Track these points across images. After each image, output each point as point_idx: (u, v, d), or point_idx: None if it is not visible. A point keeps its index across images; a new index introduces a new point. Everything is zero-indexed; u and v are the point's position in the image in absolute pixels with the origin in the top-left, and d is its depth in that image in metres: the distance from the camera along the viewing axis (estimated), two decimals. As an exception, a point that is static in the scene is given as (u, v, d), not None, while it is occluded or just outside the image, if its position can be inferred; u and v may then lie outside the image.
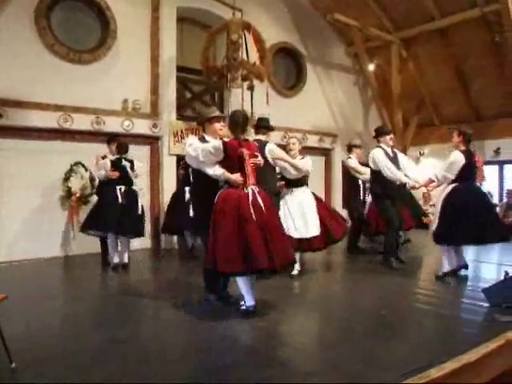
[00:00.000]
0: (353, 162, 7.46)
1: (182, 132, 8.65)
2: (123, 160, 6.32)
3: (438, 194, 5.51)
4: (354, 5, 10.29)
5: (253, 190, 3.99)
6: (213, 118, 4.36)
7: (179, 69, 8.86)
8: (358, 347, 3.28)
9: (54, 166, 7.33)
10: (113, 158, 6.35)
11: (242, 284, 3.99)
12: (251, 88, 8.07)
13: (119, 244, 6.35)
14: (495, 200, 10.80)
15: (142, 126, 8.20)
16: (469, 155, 5.31)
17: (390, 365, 2.95)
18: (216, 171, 4.01)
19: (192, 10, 9.02)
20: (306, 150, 9.10)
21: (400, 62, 11.20)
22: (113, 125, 7.77)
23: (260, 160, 4.21)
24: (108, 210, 6.07)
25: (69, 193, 7.44)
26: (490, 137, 10.81)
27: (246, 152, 4.05)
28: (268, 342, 3.45)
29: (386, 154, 6.04)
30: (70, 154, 7.31)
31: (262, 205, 3.95)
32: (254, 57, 8.21)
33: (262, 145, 5.00)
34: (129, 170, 6.31)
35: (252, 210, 3.85)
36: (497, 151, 10.93)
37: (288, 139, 6.08)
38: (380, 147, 6.12)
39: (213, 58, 8.65)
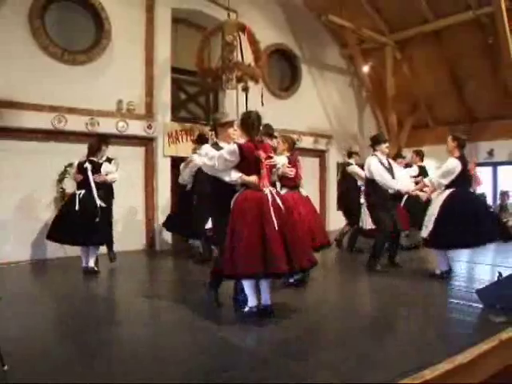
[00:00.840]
0: (355, 168, 7.59)
1: (176, 133, 8.63)
2: (86, 162, 6.04)
3: (434, 200, 5.57)
4: (349, 6, 10.32)
5: (271, 192, 3.94)
6: (226, 123, 4.30)
7: (174, 70, 8.85)
8: (352, 348, 3.28)
9: (48, 167, 7.29)
10: (81, 160, 6.13)
11: (246, 285, 3.95)
12: (246, 89, 8.06)
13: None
14: (489, 201, 10.87)
15: (136, 128, 8.18)
16: (464, 161, 5.38)
17: (384, 366, 2.95)
18: (233, 176, 3.91)
19: (187, 12, 9.01)
20: (301, 152, 9.18)
21: (394, 63, 11.25)
22: (107, 126, 7.75)
23: (275, 161, 4.17)
24: (65, 218, 5.93)
25: (63, 194, 7.40)
26: (483, 138, 10.89)
27: (262, 154, 4.00)
28: (263, 344, 3.45)
29: (381, 162, 6.03)
30: (64, 155, 7.27)
31: (281, 206, 3.91)
32: (249, 58, 8.21)
33: None
34: (89, 172, 5.97)
35: (272, 212, 3.80)
36: (490, 153, 11.01)
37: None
38: (375, 156, 6.10)
39: (208, 59, 8.63)
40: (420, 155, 7.92)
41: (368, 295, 4.98)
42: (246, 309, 3.99)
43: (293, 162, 5.27)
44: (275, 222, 3.76)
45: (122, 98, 8.04)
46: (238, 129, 4.15)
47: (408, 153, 8.93)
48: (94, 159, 6.11)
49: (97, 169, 6.04)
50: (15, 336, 3.52)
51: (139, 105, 8.29)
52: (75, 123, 7.46)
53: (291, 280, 5.12)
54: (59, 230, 5.94)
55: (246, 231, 3.72)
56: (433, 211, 5.39)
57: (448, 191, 5.36)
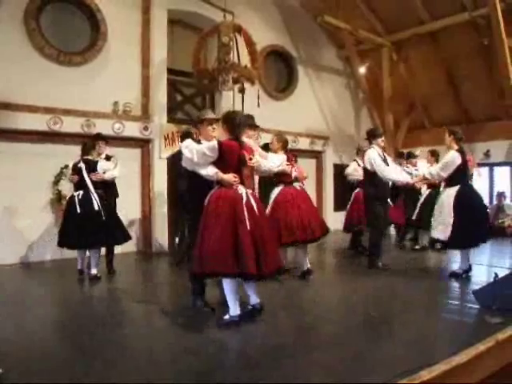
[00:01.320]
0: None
1: (172, 135, 8.61)
2: (80, 162, 5.84)
3: (441, 199, 5.59)
4: (345, 7, 10.33)
5: (247, 192, 3.89)
6: (204, 119, 4.28)
7: (170, 71, 8.84)
8: (348, 349, 3.28)
9: (44, 169, 7.27)
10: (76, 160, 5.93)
11: (228, 291, 3.84)
12: (242, 91, 8.06)
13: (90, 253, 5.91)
14: (486, 202, 10.89)
15: (132, 129, 8.16)
16: (463, 154, 5.42)
17: (381, 366, 2.95)
18: (209, 171, 3.89)
19: (183, 13, 9.01)
20: (297, 153, 9.18)
21: (391, 64, 11.27)
22: (103, 127, 7.71)
23: (257, 162, 4.15)
24: (70, 222, 5.72)
25: (59, 196, 7.38)
26: (480, 139, 10.91)
27: (247, 154, 3.99)
28: (257, 345, 3.44)
29: (379, 154, 6.09)
30: (60, 156, 7.23)
31: (255, 207, 3.88)
32: (245, 59, 8.21)
33: None
34: (84, 171, 5.77)
35: (246, 212, 3.76)
36: (487, 154, 11.03)
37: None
38: (373, 148, 6.16)
39: (204, 60, 8.63)
40: (435, 155, 7.76)
41: (364, 295, 4.97)
42: (226, 317, 3.84)
43: (290, 160, 5.57)
44: (248, 222, 3.72)
45: (118, 100, 8.02)
46: (221, 127, 4.07)
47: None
48: (89, 158, 5.89)
49: (92, 167, 5.83)
50: (11, 337, 3.51)
51: (135, 106, 8.27)
52: (71, 125, 7.43)
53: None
54: (67, 235, 5.72)
55: (218, 229, 3.68)
56: (445, 211, 5.42)
57: (454, 189, 5.42)
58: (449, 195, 5.44)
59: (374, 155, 6.04)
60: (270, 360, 3.08)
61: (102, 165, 5.95)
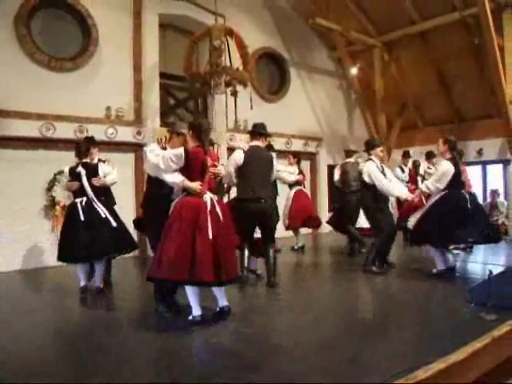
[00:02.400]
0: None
1: (166, 139, 8.57)
2: (79, 166, 5.29)
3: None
4: (336, 9, 10.38)
5: (211, 199, 3.95)
6: (183, 133, 4.28)
7: (162, 75, 8.84)
8: (345, 349, 3.28)
9: (37, 175, 7.24)
10: (73, 164, 5.38)
11: (190, 293, 3.93)
12: (235, 93, 8.06)
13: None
14: (479, 200, 10.93)
15: (125, 134, 8.14)
16: (455, 163, 5.44)
17: (377, 366, 2.95)
18: (175, 179, 3.92)
19: (174, 17, 9.01)
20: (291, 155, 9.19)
21: (382, 65, 11.32)
22: (96, 133, 7.63)
23: (220, 170, 4.23)
24: (71, 234, 5.09)
25: (53, 202, 7.36)
26: (472, 138, 10.97)
27: (209, 161, 4.05)
28: (254, 347, 3.43)
29: (377, 167, 6.03)
30: (53, 162, 7.20)
31: (219, 214, 3.93)
32: (237, 62, 8.21)
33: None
34: (83, 177, 5.23)
35: (209, 220, 3.82)
36: (479, 152, 11.09)
37: None
38: (372, 160, 6.10)
39: (196, 64, 8.63)
40: (431, 158, 7.86)
41: (360, 296, 4.98)
42: (190, 318, 3.94)
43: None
44: (210, 230, 3.78)
45: (111, 105, 8.01)
46: (187, 133, 4.11)
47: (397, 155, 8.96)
48: (87, 161, 5.39)
49: (93, 171, 5.32)
50: (6, 345, 3.48)
51: (128, 111, 8.26)
52: (64, 131, 7.41)
53: None
54: (71, 247, 5.07)
55: (178, 237, 3.74)
56: (422, 210, 5.48)
57: (440, 194, 5.44)
58: (435, 198, 5.52)
59: (374, 169, 5.94)
60: (266, 362, 3.08)
61: (103, 168, 5.49)
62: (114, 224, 5.24)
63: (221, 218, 3.92)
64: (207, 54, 8.15)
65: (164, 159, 3.91)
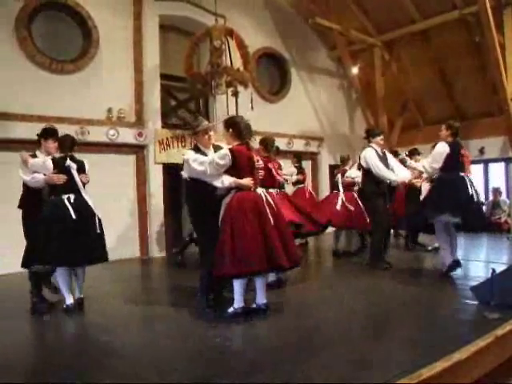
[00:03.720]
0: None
1: (167, 140, 8.61)
2: (67, 159, 4.71)
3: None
4: (336, 8, 10.38)
5: (263, 191, 4.12)
6: (199, 132, 4.33)
7: (163, 76, 8.84)
8: (348, 348, 3.28)
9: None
10: (56, 155, 4.75)
11: (238, 285, 3.99)
12: (236, 94, 8.07)
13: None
14: (481, 198, 10.91)
15: (127, 135, 8.15)
16: (455, 146, 5.42)
17: (381, 365, 2.95)
18: (225, 182, 3.97)
19: (174, 18, 9.02)
20: (292, 154, 9.20)
21: (383, 64, 11.31)
22: (97, 134, 7.72)
23: (261, 163, 4.38)
24: (57, 232, 4.41)
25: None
26: (474, 136, 10.95)
27: (255, 157, 4.19)
28: (258, 347, 3.44)
29: (377, 153, 6.14)
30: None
31: (273, 205, 4.08)
32: (238, 63, 8.23)
33: None
34: (74, 171, 4.67)
35: (268, 210, 3.96)
36: (481, 150, 11.07)
37: None
38: (371, 147, 6.21)
39: (196, 65, 8.65)
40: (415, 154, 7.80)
41: (363, 295, 4.96)
42: (231, 310, 4.01)
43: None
44: (271, 219, 3.94)
45: (112, 106, 8.01)
46: (226, 133, 4.17)
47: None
48: (75, 155, 4.84)
49: (81, 167, 4.78)
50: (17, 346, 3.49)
51: (129, 112, 8.27)
52: (65, 133, 7.37)
53: (269, 280, 4.96)
54: (57, 249, 4.37)
55: (248, 230, 3.83)
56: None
57: (437, 176, 5.53)
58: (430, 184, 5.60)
59: (371, 154, 6.09)
60: (270, 362, 3.08)
61: (87, 166, 4.92)
62: (98, 229, 4.68)
63: (275, 208, 4.08)
64: (208, 54, 8.17)
65: (211, 165, 3.96)
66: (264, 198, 4.03)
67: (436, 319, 3.95)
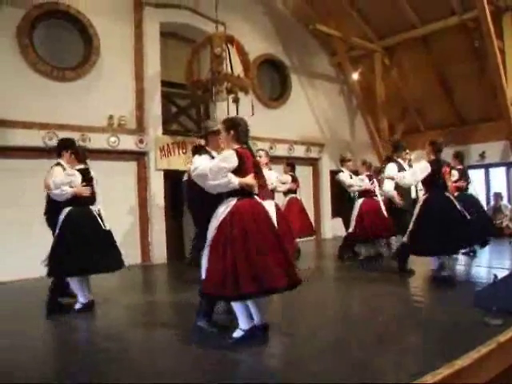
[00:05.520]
0: (341, 176, 7.68)
1: (168, 146, 8.63)
2: (89, 169, 4.91)
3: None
4: (336, 15, 10.43)
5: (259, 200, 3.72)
6: (218, 130, 4.02)
7: (164, 83, 8.87)
8: (350, 355, 3.26)
9: (41, 185, 7.23)
10: (80, 167, 4.87)
11: (238, 305, 3.58)
12: (236, 101, 8.08)
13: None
14: (483, 203, 10.90)
15: (128, 142, 8.17)
16: (437, 164, 5.49)
17: (383, 371, 2.94)
18: (232, 180, 3.51)
19: (175, 25, 9.06)
20: (294, 160, 9.20)
21: (383, 70, 11.35)
22: (98, 141, 7.73)
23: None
24: (89, 243, 4.64)
25: (56, 211, 7.34)
26: (474, 141, 10.97)
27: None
28: (258, 354, 3.41)
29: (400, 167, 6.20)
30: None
31: (267, 217, 3.70)
32: (238, 69, 8.25)
33: None
34: (95, 183, 4.93)
35: (267, 221, 3.64)
36: (482, 155, 11.07)
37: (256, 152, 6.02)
38: (395, 161, 6.30)
39: (197, 71, 8.67)
40: (459, 157, 7.58)
41: (365, 302, 4.95)
42: (237, 333, 3.59)
43: None
44: (271, 231, 3.58)
45: (113, 113, 8.04)
46: (226, 135, 3.77)
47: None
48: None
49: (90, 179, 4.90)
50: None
51: (130, 119, 8.29)
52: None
53: None
54: (80, 260, 4.58)
55: (244, 247, 3.40)
56: (412, 218, 5.55)
57: (423, 197, 5.55)
58: (419, 203, 5.59)
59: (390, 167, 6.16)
60: (270, 370, 3.07)
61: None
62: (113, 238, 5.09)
63: (269, 220, 3.70)
64: (208, 61, 8.19)
65: (212, 170, 3.55)
66: (262, 207, 3.66)
67: (438, 325, 3.93)
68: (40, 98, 7.29)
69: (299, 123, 11.08)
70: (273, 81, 11.21)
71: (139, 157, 8.50)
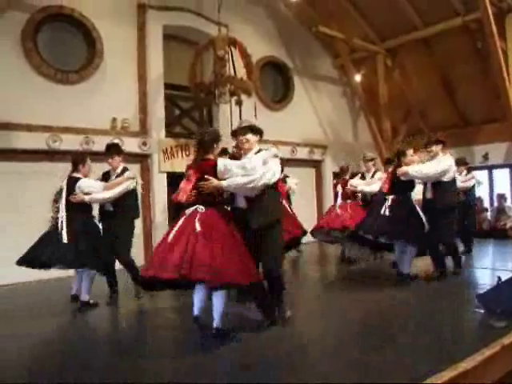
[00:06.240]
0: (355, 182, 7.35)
1: (171, 149, 8.65)
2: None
3: None
4: (339, 17, 10.44)
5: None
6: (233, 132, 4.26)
7: (167, 86, 8.89)
8: (352, 359, 3.26)
9: (44, 187, 7.23)
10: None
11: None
12: (239, 103, 8.10)
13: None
14: (486, 204, 10.89)
15: (131, 145, 8.18)
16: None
17: (386, 374, 2.93)
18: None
19: (178, 28, 9.08)
20: (297, 163, 9.19)
21: (386, 71, 11.34)
22: (102, 144, 7.65)
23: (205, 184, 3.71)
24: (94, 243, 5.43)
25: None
26: (478, 142, 10.95)
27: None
28: (258, 358, 3.40)
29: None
30: (60, 174, 7.25)
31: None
32: (241, 72, 8.27)
33: None
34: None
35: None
36: (485, 156, 11.05)
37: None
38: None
39: (200, 74, 8.69)
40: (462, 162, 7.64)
41: (365, 305, 4.93)
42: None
43: None
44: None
45: (116, 116, 8.07)
46: (254, 138, 4.06)
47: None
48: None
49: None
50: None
51: (133, 122, 8.31)
52: (70, 142, 7.46)
53: None
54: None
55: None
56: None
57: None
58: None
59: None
60: (270, 373, 3.07)
61: (84, 183, 5.60)
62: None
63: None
64: (211, 64, 8.22)
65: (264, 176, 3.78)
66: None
67: (442, 328, 3.93)
68: (44, 100, 7.33)
69: (302, 125, 11.08)
70: (275, 83, 11.21)
71: (142, 159, 8.52)
